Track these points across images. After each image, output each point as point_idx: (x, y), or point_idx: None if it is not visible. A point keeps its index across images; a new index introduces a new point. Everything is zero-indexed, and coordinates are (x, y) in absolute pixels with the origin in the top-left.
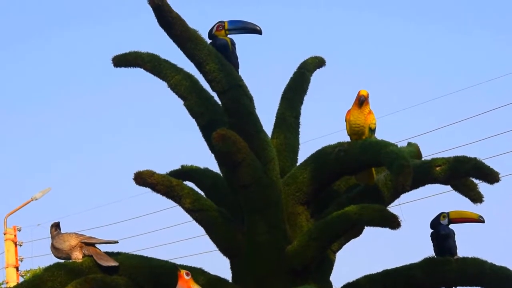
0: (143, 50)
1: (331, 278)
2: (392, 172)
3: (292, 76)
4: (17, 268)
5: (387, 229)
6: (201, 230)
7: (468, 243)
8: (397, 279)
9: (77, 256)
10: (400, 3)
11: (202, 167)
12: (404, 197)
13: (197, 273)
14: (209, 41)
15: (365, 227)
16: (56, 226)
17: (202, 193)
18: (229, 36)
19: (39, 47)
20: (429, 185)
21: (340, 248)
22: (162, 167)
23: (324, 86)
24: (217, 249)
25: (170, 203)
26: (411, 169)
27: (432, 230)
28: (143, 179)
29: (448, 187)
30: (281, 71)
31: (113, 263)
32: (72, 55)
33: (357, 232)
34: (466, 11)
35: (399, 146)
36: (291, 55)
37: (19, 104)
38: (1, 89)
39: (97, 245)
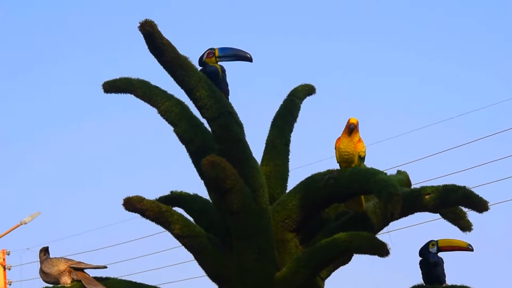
0: (133, 76)
1: None
2: (381, 200)
3: (282, 103)
4: None
5: (376, 257)
6: (190, 256)
7: (457, 271)
8: None
9: (66, 281)
10: (391, 33)
11: (191, 193)
12: (393, 224)
13: None
14: (199, 68)
15: (354, 254)
16: (45, 250)
17: (192, 219)
18: (219, 63)
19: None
20: (418, 213)
21: (328, 275)
22: (152, 193)
23: (314, 114)
24: (206, 275)
25: (159, 228)
26: (401, 197)
27: (421, 258)
28: (132, 204)
29: (437, 215)
30: (271, 98)
31: None
32: (63, 82)
33: (346, 260)
34: (456, 40)
35: (388, 174)
36: (281, 82)
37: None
38: None
39: (86, 270)
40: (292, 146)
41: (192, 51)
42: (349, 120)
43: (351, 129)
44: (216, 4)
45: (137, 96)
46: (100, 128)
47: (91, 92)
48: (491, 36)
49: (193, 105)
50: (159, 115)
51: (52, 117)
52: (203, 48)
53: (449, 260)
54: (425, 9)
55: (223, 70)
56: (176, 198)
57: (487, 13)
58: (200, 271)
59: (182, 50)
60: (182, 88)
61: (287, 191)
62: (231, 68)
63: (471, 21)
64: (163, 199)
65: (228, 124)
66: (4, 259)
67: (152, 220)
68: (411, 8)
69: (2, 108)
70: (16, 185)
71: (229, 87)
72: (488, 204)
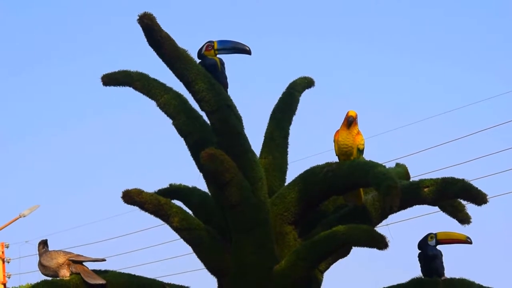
0: (132, 69)
1: None
2: (380, 193)
3: (281, 96)
4: (4, 285)
5: (374, 250)
6: (188, 248)
7: (456, 264)
8: None
9: (65, 273)
10: (390, 33)
11: (190, 186)
12: (392, 217)
13: None
14: (198, 60)
15: (353, 247)
16: (43, 243)
17: (190, 212)
18: (218, 56)
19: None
20: (417, 206)
21: (327, 268)
22: (151, 188)
23: (313, 107)
24: (205, 268)
25: (158, 221)
26: (399, 190)
27: (419, 251)
28: (131, 197)
29: (436, 208)
30: (270, 91)
31: (100, 281)
32: (63, 82)
33: (344, 252)
34: (456, 40)
35: (387, 167)
36: (280, 75)
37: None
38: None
39: (84, 263)
40: (291, 139)
41: (192, 49)
42: (348, 113)
43: (350, 121)
44: (216, 4)
45: (136, 88)
46: (100, 128)
47: (91, 92)
48: (491, 36)
49: (192, 98)
50: (158, 108)
51: (52, 117)
52: (202, 41)
53: (448, 253)
54: (425, 9)
55: (222, 63)
56: (175, 191)
57: (487, 13)
58: (199, 264)
59: (180, 43)
60: (181, 81)
61: (286, 184)
62: (231, 62)
63: (471, 21)
64: (162, 192)
65: (227, 117)
66: (3, 252)
67: (151, 213)
68: (411, 8)
69: (2, 108)
70: (16, 183)
71: (229, 80)
72: (487, 197)
